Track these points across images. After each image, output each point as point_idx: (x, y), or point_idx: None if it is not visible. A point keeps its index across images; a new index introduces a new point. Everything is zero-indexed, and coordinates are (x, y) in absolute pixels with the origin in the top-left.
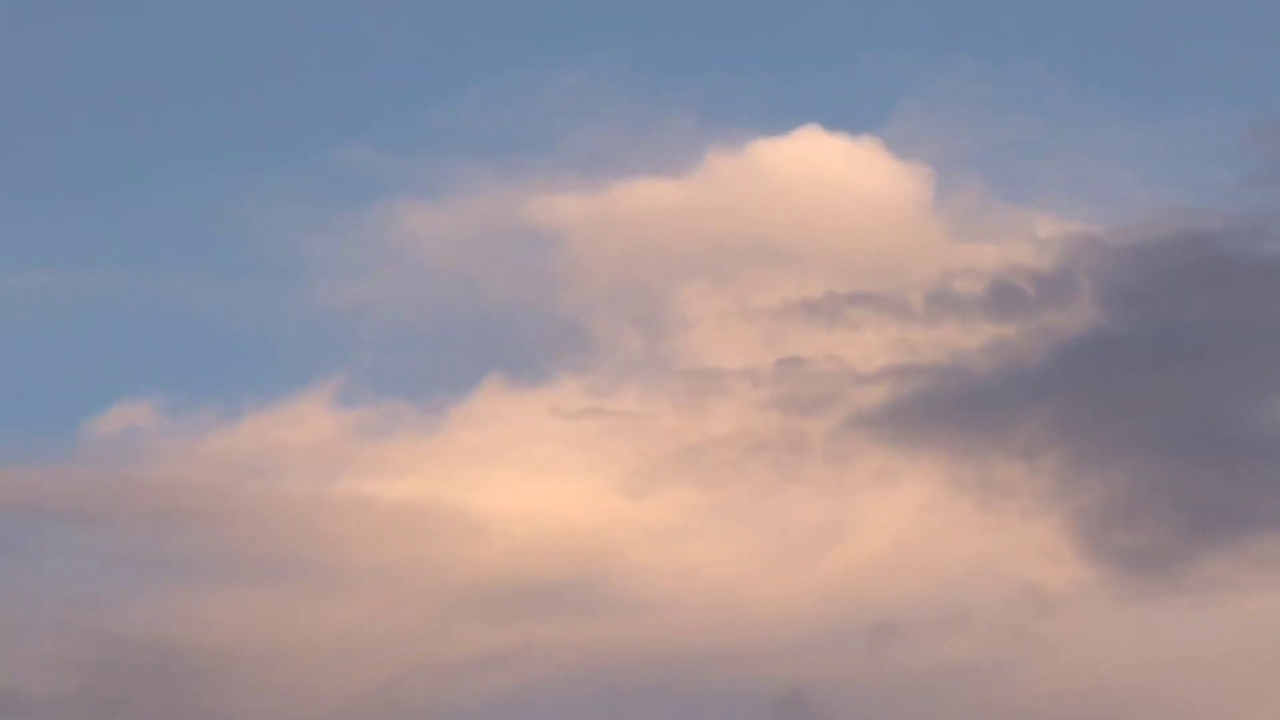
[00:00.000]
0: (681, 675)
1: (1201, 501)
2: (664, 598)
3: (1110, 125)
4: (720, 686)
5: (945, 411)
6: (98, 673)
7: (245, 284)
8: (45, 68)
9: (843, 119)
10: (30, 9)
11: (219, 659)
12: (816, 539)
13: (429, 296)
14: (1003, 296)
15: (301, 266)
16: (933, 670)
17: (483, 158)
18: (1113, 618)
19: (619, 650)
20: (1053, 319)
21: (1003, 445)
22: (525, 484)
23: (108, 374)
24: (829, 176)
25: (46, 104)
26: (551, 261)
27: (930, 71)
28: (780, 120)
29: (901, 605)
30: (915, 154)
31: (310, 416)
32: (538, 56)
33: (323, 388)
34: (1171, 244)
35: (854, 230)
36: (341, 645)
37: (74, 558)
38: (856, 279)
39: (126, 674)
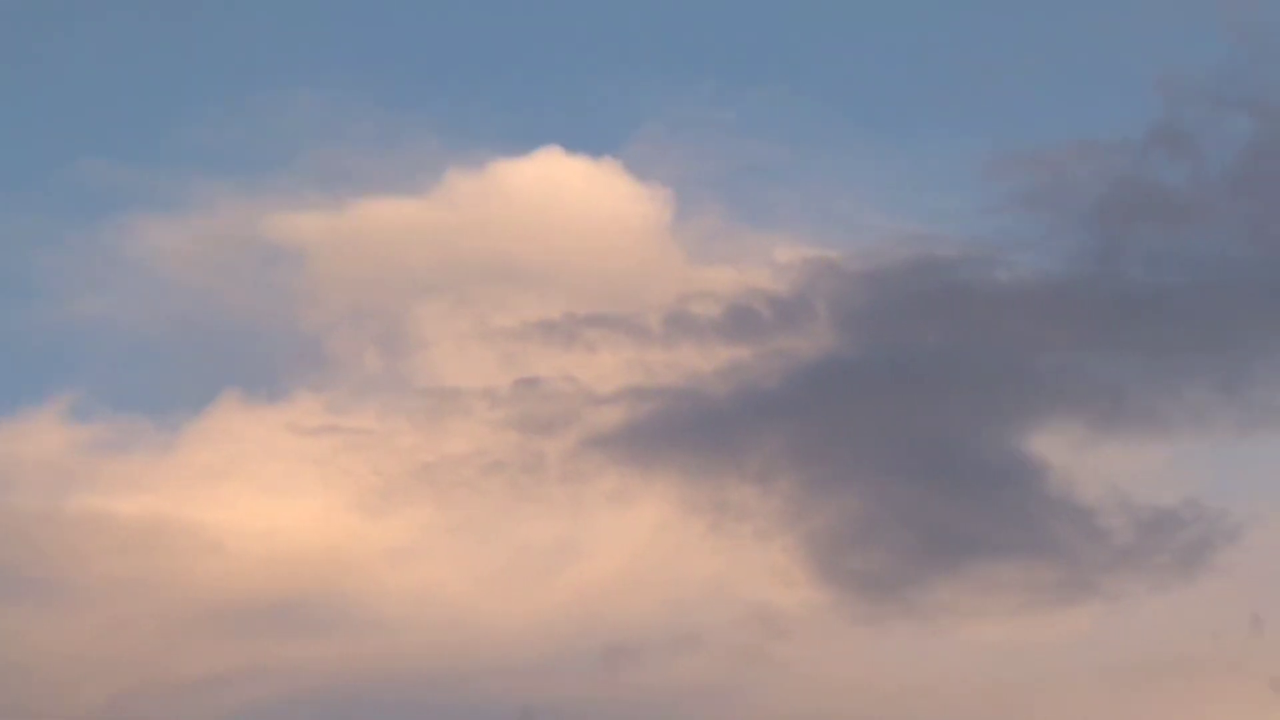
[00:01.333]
0: (417, 695)
1: (932, 527)
2: (399, 617)
3: (850, 152)
4: (456, 706)
5: (681, 433)
6: None
7: None
8: None
9: (584, 141)
10: None
11: None
12: (551, 559)
13: (167, 312)
14: (740, 320)
15: (36, 280)
16: (665, 691)
17: (223, 174)
18: (844, 640)
19: (353, 670)
20: (789, 343)
21: (737, 468)
22: (261, 501)
23: None
24: (569, 198)
25: None
26: (291, 279)
27: (672, 95)
28: (521, 141)
29: (635, 626)
30: (655, 176)
31: (42, 432)
32: (279, 74)
33: (56, 403)
34: (907, 270)
35: (593, 252)
36: (68, 664)
37: None
38: (595, 300)
39: None
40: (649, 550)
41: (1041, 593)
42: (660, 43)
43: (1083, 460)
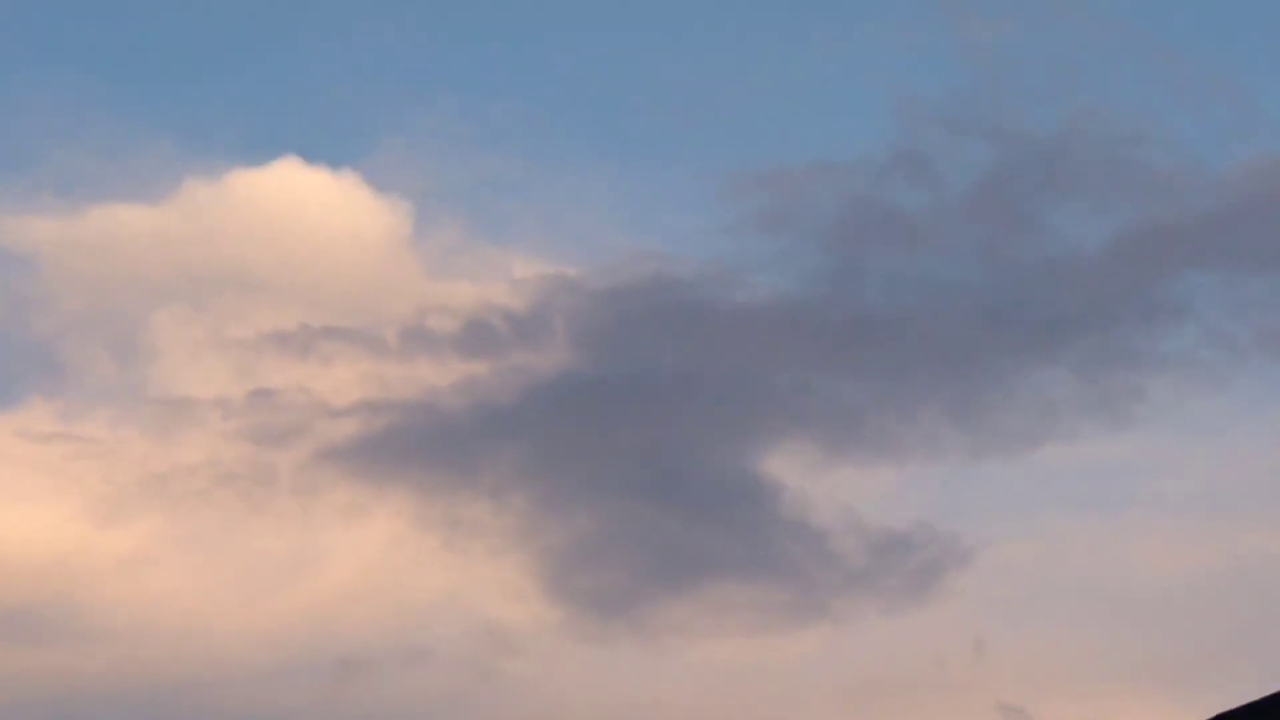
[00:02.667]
0: (146, 706)
1: (665, 546)
2: (128, 627)
3: (589, 169)
4: (186, 718)
5: (416, 448)
6: None
7: None
8: None
9: (323, 152)
10: None
11: None
12: (283, 571)
13: None
14: (477, 335)
15: None
16: (395, 705)
17: None
18: (575, 658)
19: (83, 679)
20: (525, 359)
21: (472, 483)
22: None
23: None
24: (307, 208)
25: None
26: (23, 284)
27: (413, 108)
28: (259, 151)
29: (366, 640)
30: (395, 189)
31: None
32: (13, 75)
33: None
34: (645, 288)
35: (331, 263)
36: None
37: None
38: (331, 312)
39: None
40: (381, 564)
41: (773, 613)
42: (401, 56)
43: (816, 482)
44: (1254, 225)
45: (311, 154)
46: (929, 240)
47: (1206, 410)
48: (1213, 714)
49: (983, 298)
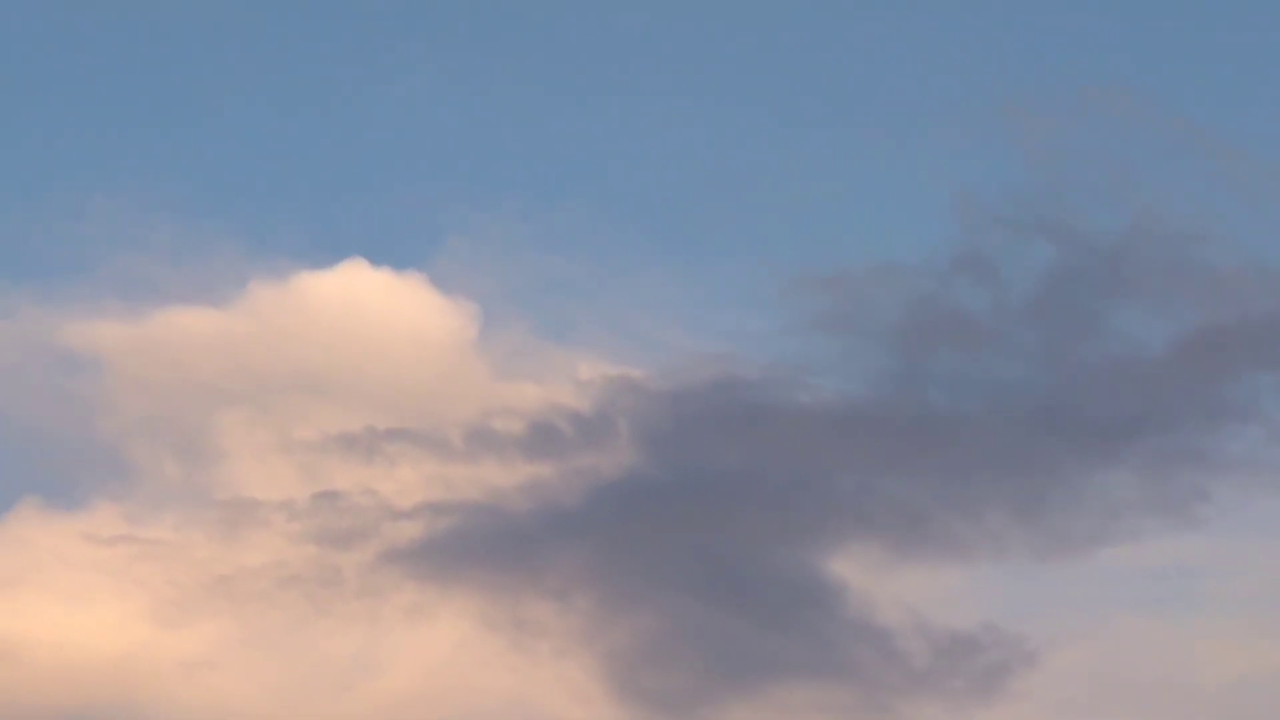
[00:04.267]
0: None
1: (730, 647)
2: None
3: (652, 271)
4: None
5: (480, 549)
6: None
7: None
8: None
9: (389, 254)
10: None
11: None
12: (348, 673)
13: None
14: (541, 436)
15: None
16: None
17: (21, 280)
18: None
19: None
20: (590, 460)
21: (536, 584)
22: (54, 610)
23: None
24: (373, 310)
25: None
26: (88, 387)
27: (477, 210)
28: (325, 253)
29: None
30: (461, 290)
31: None
32: (78, 179)
33: None
34: (709, 390)
35: (396, 365)
36: None
37: None
38: (397, 414)
39: None
40: (447, 666)
41: (838, 715)
42: (465, 158)
43: (881, 582)
44: None
45: (377, 256)
46: (992, 341)
47: (1272, 510)
48: None
49: (1046, 398)
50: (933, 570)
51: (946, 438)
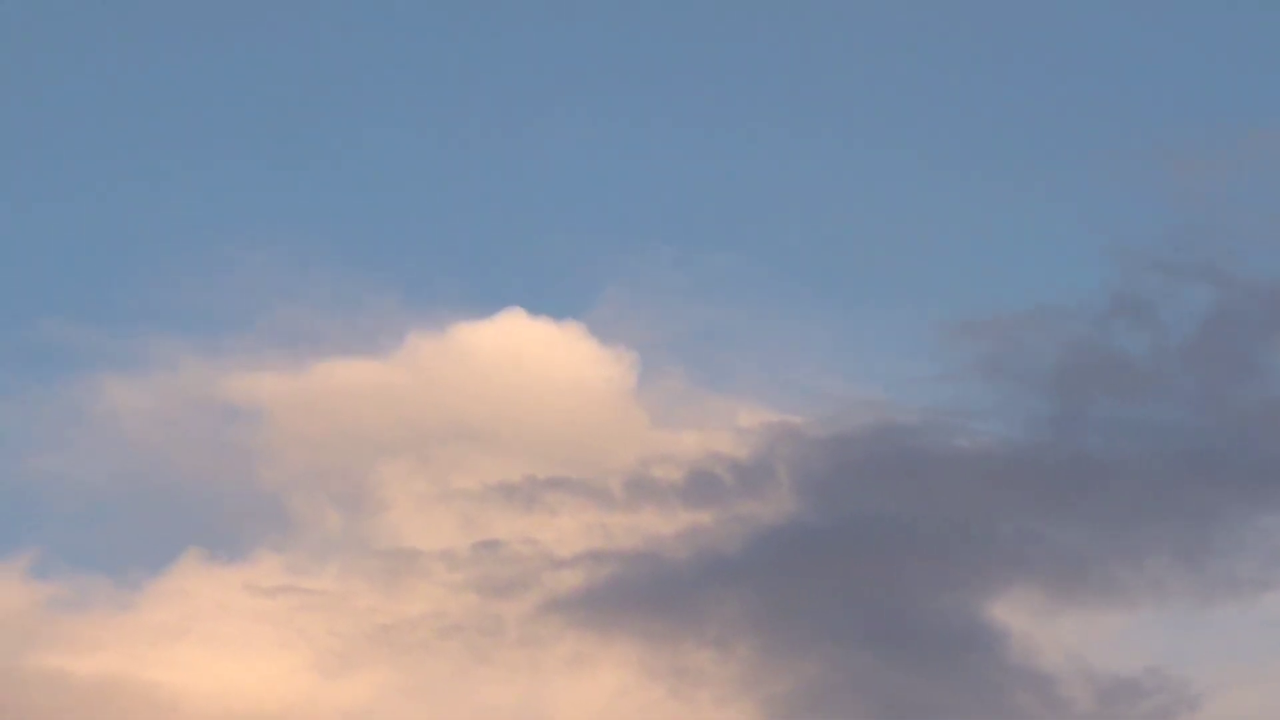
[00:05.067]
0: None
1: (891, 694)
2: None
3: (810, 318)
4: None
5: (640, 597)
6: None
7: None
8: None
9: (546, 304)
10: None
11: None
12: None
13: (127, 469)
14: (701, 484)
15: None
16: None
17: (183, 333)
18: None
19: None
20: (749, 508)
21: (696, 632)
22: (218, 661)
23: None
24: (531, 360)
25: None
26: (250, 438)
27: (634, 259)
28: (483, 303)
29: None
30: (619, 339)
31: (3, 588)
32: (238, 233)
33: (16, 560)
34: (868, 436)
35: (555, 414)
36: None
37: None
38: (556, 463)
39: None
40: (607, 715)
41: None
42: (621, 207)
43: (1043, 628)
44: None
45: (535, 305)
46: (1150, 385)
47: None
48: None
49: (1205, 441)
50: (1094, 615)
51: (1105, 482)
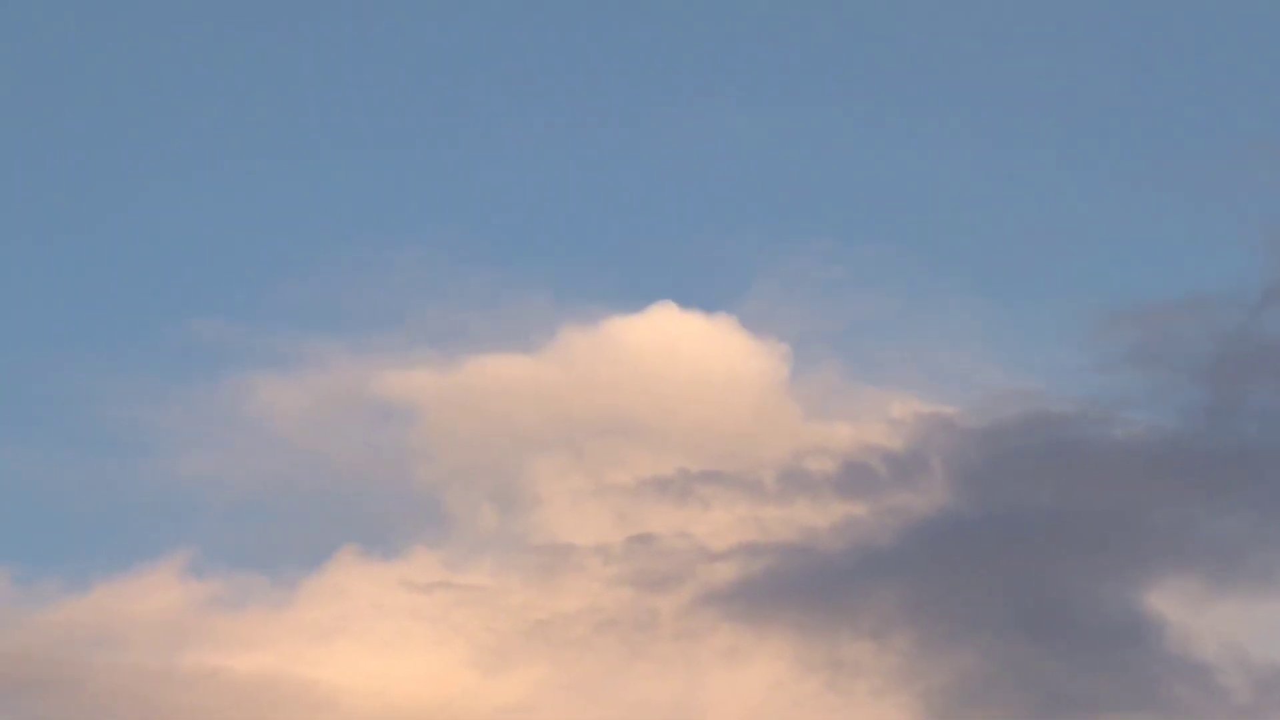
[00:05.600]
0: None
1: (1048, 685)
2: None
3: (963, 307)
4: None
5: (795, 590)
6: None
7: (95, 455)
8: None
9: (698, 297)
10: None
11: None
12: (666, 716)
13: (281, 469)
14: (854, 476)
15: (152, 438)
16: None
17: (335, 332)
18: None
19: None
20: (903, 499)
21: (852, 624)
22: (375, 657)
23: None
24: (684, 353)
25: None
26: (405, 435)
27: (785, 251)
28: (634, 298)
29: None
30: (771, 332)
31: (160, 588)
32: (388, 231)
33: (173, 559)
34: (1022, 426)
35: (707, 408)
36: None
37: None
38: (709, 457)
39: None
40: (764, 708)
41: None
42: (771, 200)
43: (1200, 617)
44: None
45: (686, 299)
46: None
47: None
48: None
49: None
50: (1252, 604)
51: (1261, 470)
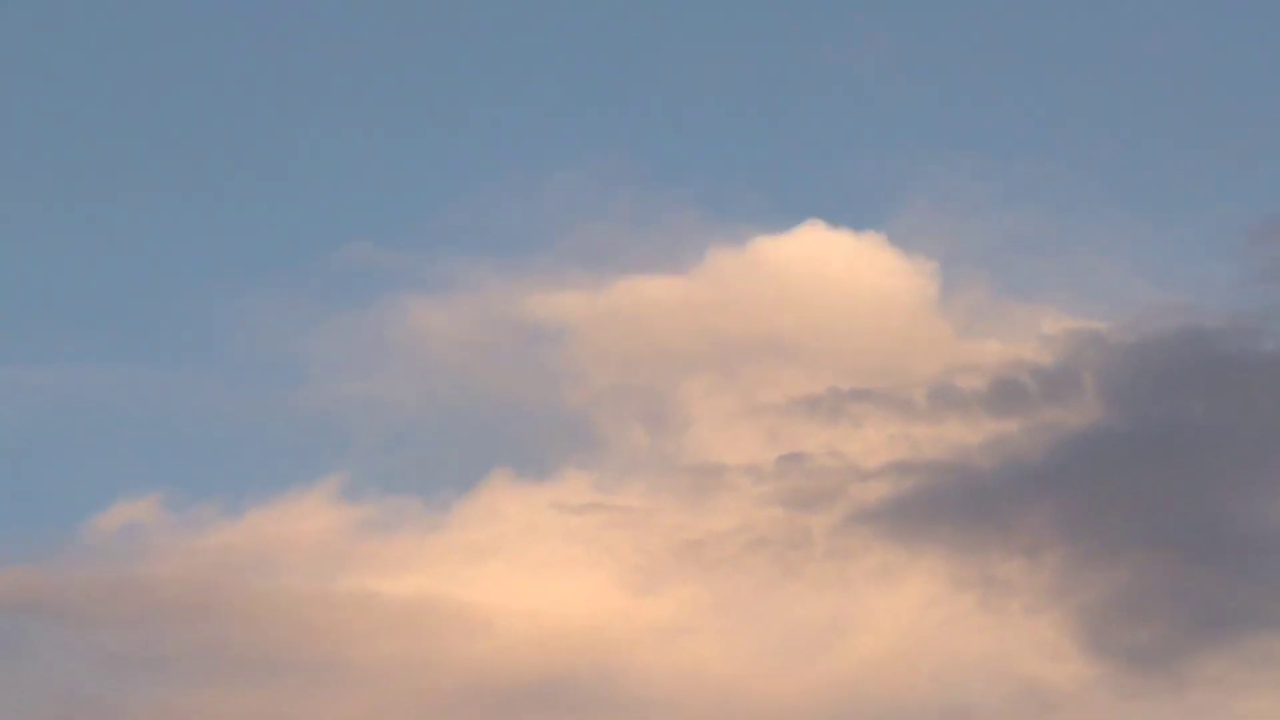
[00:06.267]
0: None
1: (1202, 600)
2: (665, 696)
3: (1114, 223)
4: None
5: (947, 508)
6: None
7: (248, 380)
8: (41, 162)
9: (846, 215)
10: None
11: None
12: (819, 637)
13: (433, 392)
14: (1006, 393)
15: (303, 363)
16: None
17: (484, 254)
18: (1115, 715)
19: None
20: (1055, 415)
21: (1005, 542)
22: (528, 579)
23: (109, 471)
24: (833, 272)
25: (47, 206)
26: (555, 358)
27: (934, 167)
28: (782, 216)
29: (904, 703)
30: (920, 249)
31: (313, 512)
32: (539, 154)
33: (326, 484)
34: (1174, 341)
35: (857, 326)
36: None
37: (73, 655)
38: (860, 375)
39: None
40: (917, 627)
41: None
42: (921, 116)
43: None
44: None
45: (834, 217)
46: None
47: None
48: None
49: None
50: None
51: None
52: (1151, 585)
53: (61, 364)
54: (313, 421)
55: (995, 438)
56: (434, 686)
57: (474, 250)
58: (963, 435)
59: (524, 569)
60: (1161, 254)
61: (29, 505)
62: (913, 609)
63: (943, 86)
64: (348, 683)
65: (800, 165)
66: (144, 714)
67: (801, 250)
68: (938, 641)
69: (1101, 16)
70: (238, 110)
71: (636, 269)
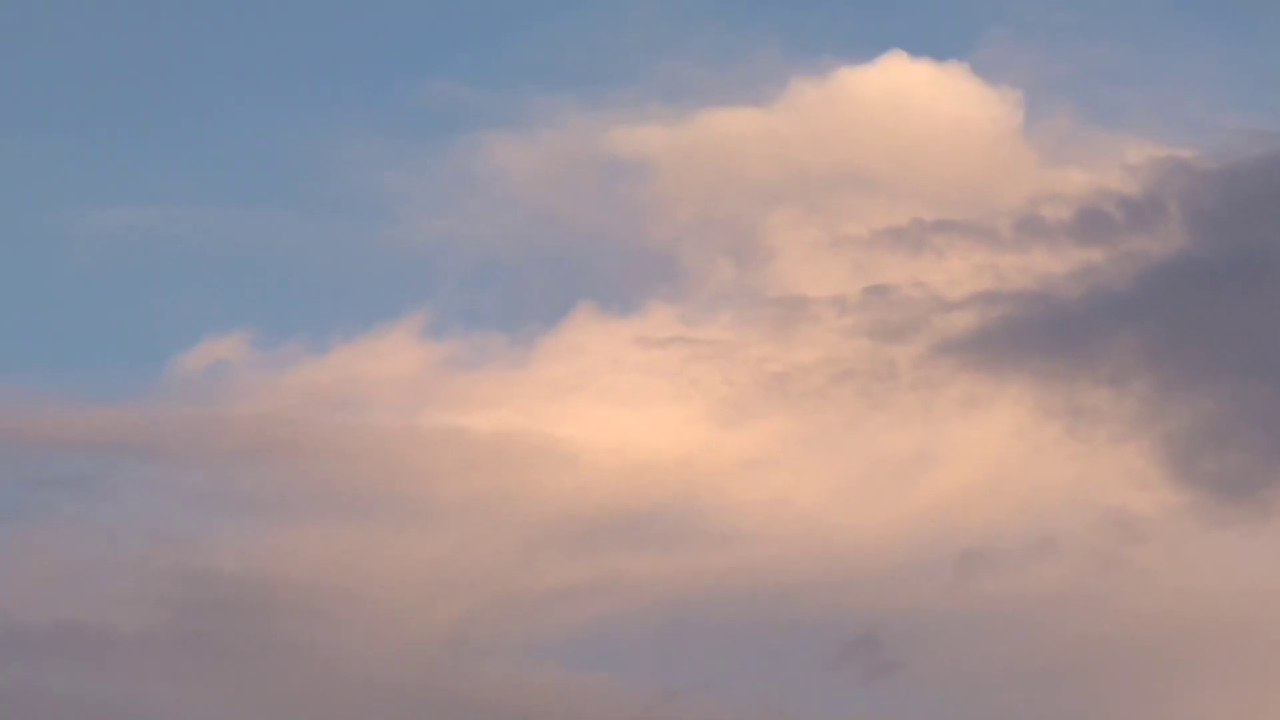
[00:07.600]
0: (766, 608)
1: None
2: (751, 528)
3: (1199, 50)
4: (804, 619)
5: (1033, 338)
6: (184, 609)
7: (332, 219)
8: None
9: (928, 45)
10: None
11: (305, 594)
12: (905, 468)
13: (515, 228)
14: (1091, 222)
15: (387, 201)
16: (1019, 599)
17: (566, 89)
18: (1201, 543)
19: (705, 582)
20: (1140, 244)
21: (1090, 371)
22: (613, 414)
23: (196, 310)
24: (915, 103)
25: (132, 45)
26: (638, 192)
27: None
28: (865, 47)
29: (989, 533)
30: (1004, 79)
31: (398, 349)
32: None
33: (410, 321)
34: (1259, 169)
35: (941, 157)
36: (426, 578)
37: (160, 494)
38: (943, 206)
39: (212, 610)
40: (1003, 456)
41: None
42: None
43: None
44: None
45: (917, 47)
46: None
47: None
48: None
49: None
50: None
51: None
52: (1237, 413)
53: (149, 205)
54: (397, 259)
55: (1081, 267)
56: (521, 521)
57: (556, 85)
58: (1048, 265)
59: (609, 403)
60: (1247, 81)
61: (117, 345)
62: (998, 439)
63: None
64: (434, 518)
65: None
66: (230, 551)
67: (884, 81)
68: (1023, 472)
69: None
70: None
71: (718, 101)
